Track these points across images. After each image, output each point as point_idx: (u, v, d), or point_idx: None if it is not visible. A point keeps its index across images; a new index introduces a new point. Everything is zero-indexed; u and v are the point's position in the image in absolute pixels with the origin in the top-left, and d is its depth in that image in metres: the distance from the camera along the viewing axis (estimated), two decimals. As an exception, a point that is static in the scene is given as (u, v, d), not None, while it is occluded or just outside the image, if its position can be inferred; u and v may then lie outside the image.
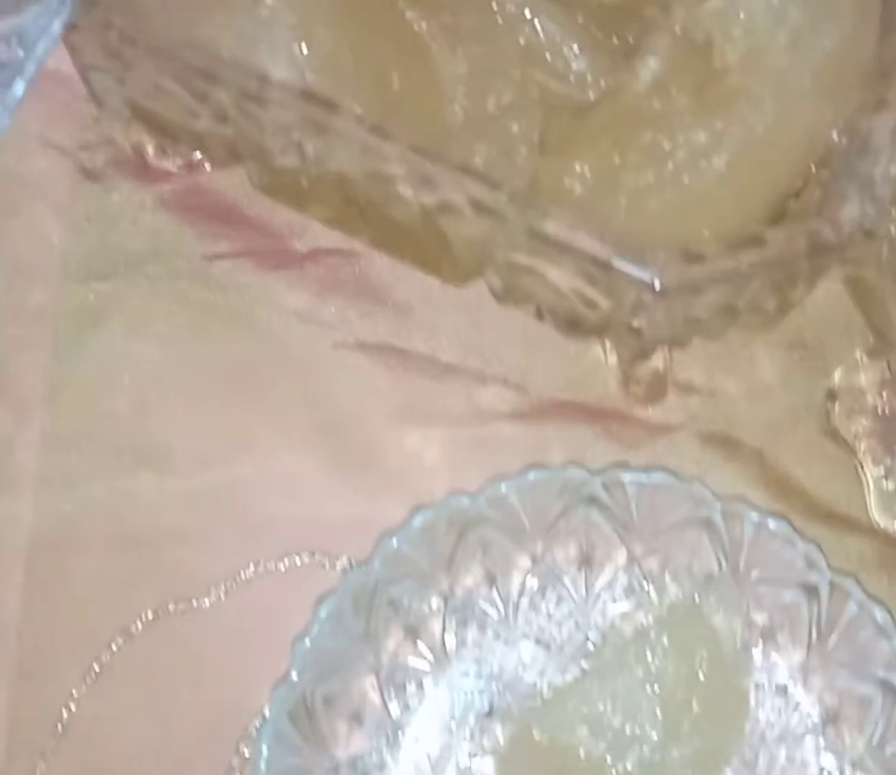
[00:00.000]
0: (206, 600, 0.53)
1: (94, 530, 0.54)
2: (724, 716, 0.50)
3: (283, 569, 0.54)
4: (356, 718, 0.51)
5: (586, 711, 0.49)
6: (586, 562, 0.53)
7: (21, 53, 0.42)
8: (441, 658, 0.52)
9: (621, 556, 0.53)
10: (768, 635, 0.52)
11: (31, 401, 0.55)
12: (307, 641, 0.49)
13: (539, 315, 0.53)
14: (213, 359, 0.57)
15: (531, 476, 0.52)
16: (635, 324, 0.49)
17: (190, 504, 0.55)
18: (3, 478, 0.54)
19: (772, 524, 0.51)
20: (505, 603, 0.53)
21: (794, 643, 0.52)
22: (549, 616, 0.53)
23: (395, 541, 0.51)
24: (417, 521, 0.51)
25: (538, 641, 0.53)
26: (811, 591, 0.51)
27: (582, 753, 0.49)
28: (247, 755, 0.51)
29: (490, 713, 0.51)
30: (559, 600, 0.53)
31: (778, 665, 0.52)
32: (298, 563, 0.54)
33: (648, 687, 0.49)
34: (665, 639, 0.50)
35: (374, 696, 0.51)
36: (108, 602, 0.53)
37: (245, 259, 0.58)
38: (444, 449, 0.56)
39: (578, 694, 0.50)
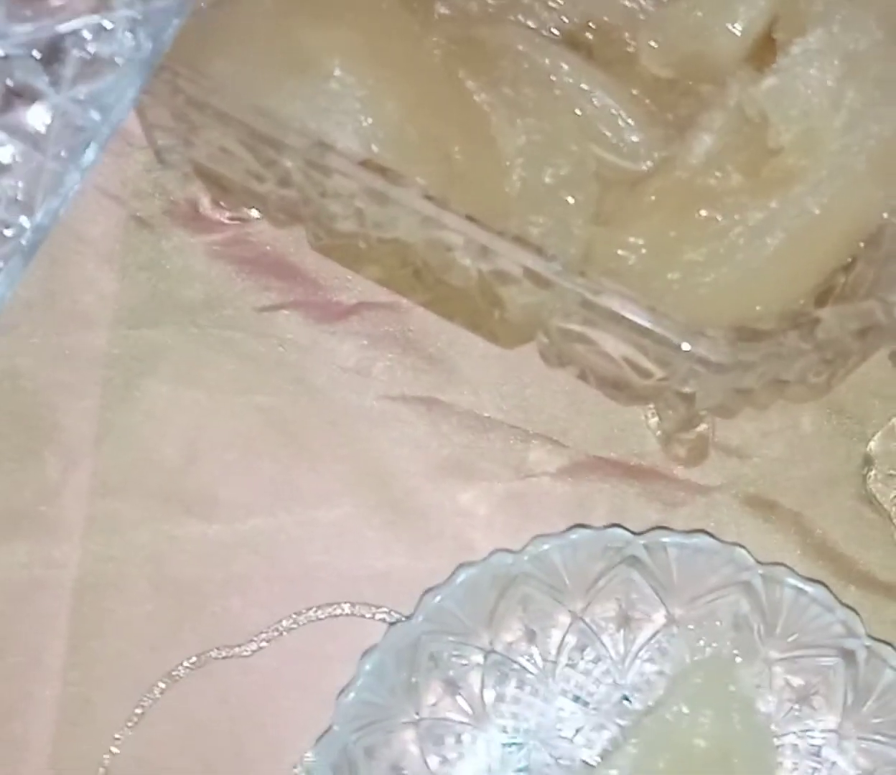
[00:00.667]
0: (248, 647, 0.54)
1: (139, 576, 0.55)
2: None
3: (324, 619, 0.54)
4: (396, 770, 0.51)
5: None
6: (625, 621, 0.53)
7: (97, 118, 0.43)
8: (479, 712, 0.52)
9: (660, 617, 0.53)
10: (804, 698, 0.52)
11: (79, 447, 0.56)
12: (351, 695, 0.50)
13: (582, 376, 0.54)
14: (260, 409, 0.57)
15: (573, 536, 0.52)
16: (686, 390, 0.49)
17: (234, 552, 0.55)
18: (50, 522, 0.55)
19: (810, 590, 0.52)
20: (544, 659, 0.53)
21: (830, 707, 0.52)
22: (587, 673, 0.53)
23: (438, 596, 0.51)
24: (461, 578, 0.52)
25: (576, 698, 0.53)
26: (848, 657, 0.52)
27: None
28: (288, 803, 0.52)
29: (527, 769, 0.52)
30: (597, 658, 0.53)
31: (813, 728, 0.52)
32: (339, 614, 0.55)
33: (689, 749, 0.50)
34: (701, 700, 0.51)
35: (414, 749, 0.51)
36: (152, 647, 0.54)
37: (293, 311, 0.59)
38: (485, 503, 0.57)
39: (621, 761, 0.50)
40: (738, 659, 0.52)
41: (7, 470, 0.56)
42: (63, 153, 0.45)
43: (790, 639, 0.52)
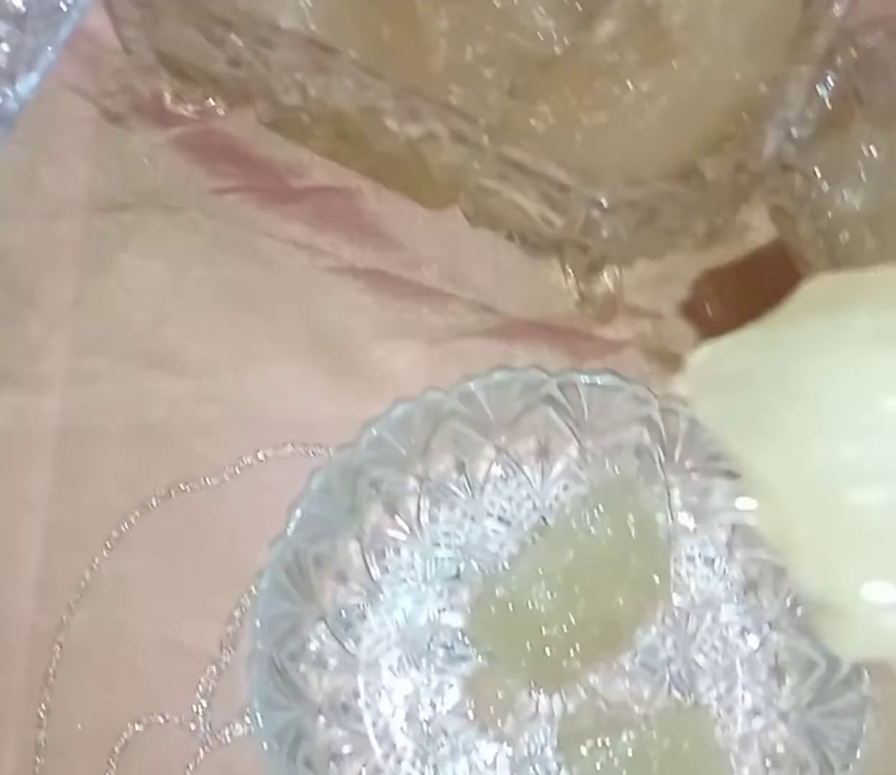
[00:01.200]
0: (213, 480, 0.61)
1: (115, 422, 0.62)
2: (654, 571, 0.58)
3: (279, 457, 0.62)
4: (341, 577, 0.58)
5: (540, 572, 0.57)
6: (543, 453, 0.61)
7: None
8: (416, 530, 0.60)
9: (573, 449, 0.61)
10: (700, 515, 0.60)
11: (60, 310, 0.63)
12: (301, 507, 0.57)
13: (510, 237, 0.61)
14: (221, 280, 0.64)
15: (496, 376, 0.59)
16: (587, 241, 0.57)
17: (200, 401, 0.62)
18: (34, 376, 0.62)
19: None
20: (472, 486, 0.60)
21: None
22: (511, 498, 0.61)
23: (376, 429, 0.58)
24: (397, 412, 0.58)
25: (500, 519, 0.60)
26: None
27: (537, 606, 0.56)
28: (248, 606, 0.59)
29: (457, 576, 0.59)
30: (519, 485, 0.61)
31: (707, 541, 0.60)
32: (292, 451, 0.62)
33: (590, 548, 0.57)
34: (603, 509, 0.57)
35: (358, 560, 0.59)
36: (128, 481, 0.61)
37: (249, 194, 0.65)
38: (422, 359, 0.63)
39: (533, 558, 0.57)
40: (642, 480, 0.59)
41: (-7, 333, 0.63)
42: (41, 30, 0.52)
43: (686, 464, 0.59)
